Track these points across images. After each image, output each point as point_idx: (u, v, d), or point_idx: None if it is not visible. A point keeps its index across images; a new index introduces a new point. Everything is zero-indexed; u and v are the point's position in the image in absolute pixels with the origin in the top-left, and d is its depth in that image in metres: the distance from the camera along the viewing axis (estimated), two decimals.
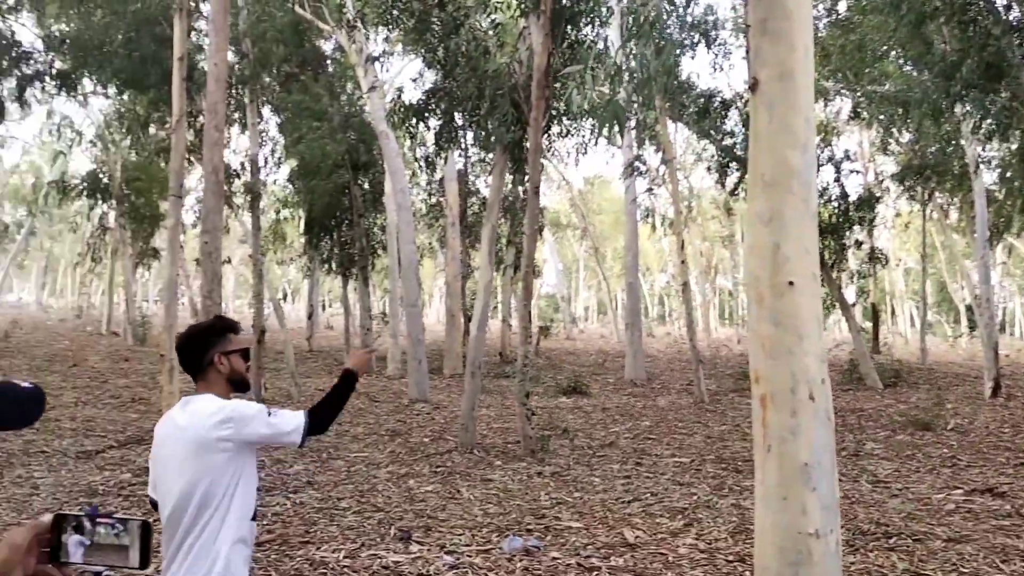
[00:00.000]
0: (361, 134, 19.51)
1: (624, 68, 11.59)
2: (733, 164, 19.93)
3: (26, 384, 1.12)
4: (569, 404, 14.17)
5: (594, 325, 70.38)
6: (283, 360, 15.60)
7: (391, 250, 17.16)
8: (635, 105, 15.27)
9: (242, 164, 18.15)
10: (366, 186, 19.75)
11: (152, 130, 19.94)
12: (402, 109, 9.78)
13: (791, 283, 3.62)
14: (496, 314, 23.56)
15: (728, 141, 19.59)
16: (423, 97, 9.57)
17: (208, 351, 2.65)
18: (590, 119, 9.79)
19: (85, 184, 24.12)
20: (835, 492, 3.63)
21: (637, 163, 17.19)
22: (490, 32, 8.89)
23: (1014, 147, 16.61)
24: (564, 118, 9.53)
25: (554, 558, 5.45)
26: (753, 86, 3.82)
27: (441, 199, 21.52)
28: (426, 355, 14.22)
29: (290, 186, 20.43)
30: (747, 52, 3.87)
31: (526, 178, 10.25)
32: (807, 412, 3.56)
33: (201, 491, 2.47)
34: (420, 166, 18.50)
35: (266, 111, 19.64)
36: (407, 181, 14.73)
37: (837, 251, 19.13)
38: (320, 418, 2.67)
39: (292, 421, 2.58)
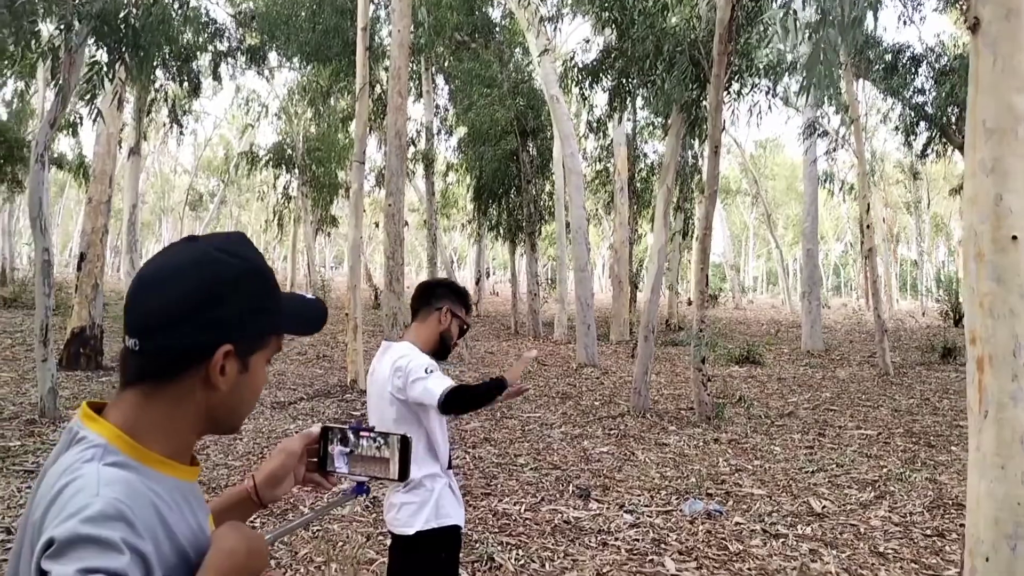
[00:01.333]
0: (529, 100, 19.66)
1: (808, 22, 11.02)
2: (923, 124, 18.61)
3: (310, 296, 1.20)
4: (742, 373, 13.81)
5: (763, 295, 68.25)
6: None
7: (558, 216, 17.21)
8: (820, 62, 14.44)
9: (416, 132, 18.71)
10: (534, 152, 19.90)
11: (332, 101, 20.91)
12: (576, 70, 9.75)
13: (1014, 237, 3.35)
14: (664, 281, 23.23)
15: (918, 99, 18.29)
16: (598, 57, 9.49)
17: (442, 300, 2.83)
18: (773, 76, 9.38)
19: (271, 155, 25.71)
20: None
21: (818, 123, 16.30)
22: None
23: None
24: (746, 75, 9.17)
25: (737, 523, 5.36)
26: (974, 26, 3.54)
27: (608, 164, 21.36)
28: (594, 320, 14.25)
29: (460, 153, 20.87)
30: None
31: (704, 138, 10.03)
32: None
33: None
34: (590, 129, 18.38)
35: (439, 80, 20.14)
36: (576, 145, 14.71)
37: None
38: (458, 400, 2.64)
39: (438, 388, 2.58)
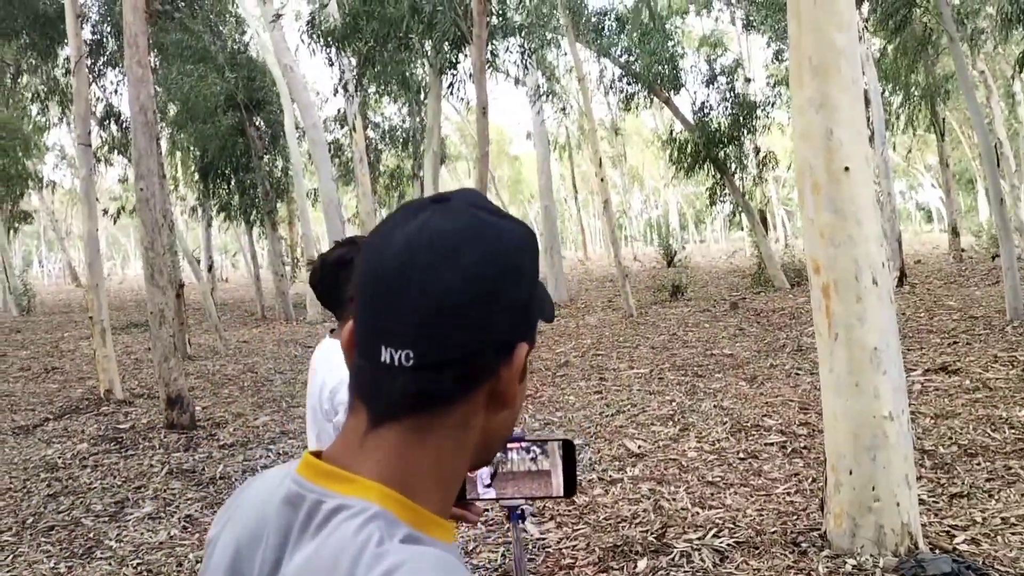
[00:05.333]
0: (250, 72, 18.45)
1: None
2: (629, 80, 20.04)
3: None
4: None
5: None
6: (203, 316, 14.88)
7: (299, 190, 16.42)
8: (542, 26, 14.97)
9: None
10: (262, 126, 18.75)
11: (22, 80, 18.24)
12: (322, 35, 9.18)
13: (847, 168, 3.59)
14: None
15: (626, 58, 19.61)
16: (347, 21, 8.98)
17: (342, 287, 2.36)
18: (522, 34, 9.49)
19: None
20: (902, 373, 3.67)
21: (545, 85, 16.92)
22: None
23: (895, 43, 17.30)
24: (499, 37, 9.18)
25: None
26: None
27: (340, 136, 20.71)
28: None
29: (179, 132, 19.13)
30: None
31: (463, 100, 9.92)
32: (872, 297, 3.57)
33: None
34: (333, 94, 17.65)
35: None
36: (318, 115, 14.02)
37: (737, 159, 19.61)
38: None
39: None
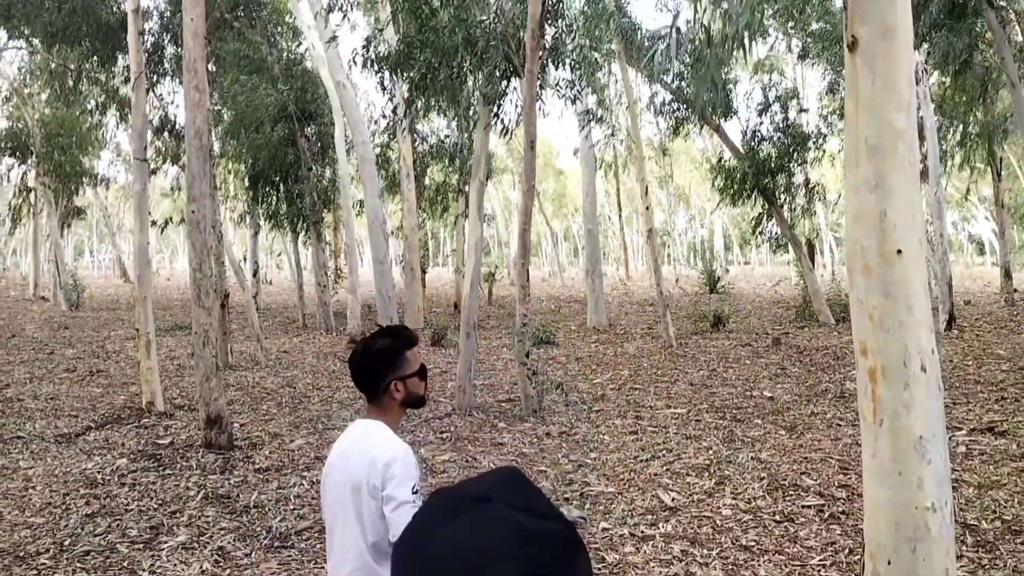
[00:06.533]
0: (304, 83, 18.70)
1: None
2: (682, 106, 19.92)
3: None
4: (542, 355, 14.08)
5: (532, 268, 70.42)
6: (246, 323, 15.08)
7: (345, 203, 16.58)
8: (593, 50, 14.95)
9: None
10: (313, 137, 18.98)
11: (83, 85, 18.71)
12: (378, 60, 9.28)
13: (899, 251, 3.50)
14: (447, 263, 23.25)
15: (677, 83, 19.49)
16: (400, 48, 9.06)
17: (385, 376, 2.39)
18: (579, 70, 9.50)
19: (1, 142, 22.65)
20: (947, 463, 3.58)
21: (595, 109, 16.89)
22: None
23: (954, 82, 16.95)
24: (553, 71, 9.19)
25: (604, 529, 5.36)
26: (852, 45, 3.64)
27: (388, 149, 20.88)
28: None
29: (231, 140, 19.42)
30: (844, 8, 3.66)
31: (504, 132, 9.96)
32: (920, 384, 3.48)
33: (369, 543, 2.25)
34: (382, 117, 17.82)
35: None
36: (368, 133, 14.17)
37: (786, 189, 19.37)
38: None
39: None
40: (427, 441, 7.94)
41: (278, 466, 7.07)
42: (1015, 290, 21.76)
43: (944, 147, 19.01)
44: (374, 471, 2.23)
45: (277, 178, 19.05)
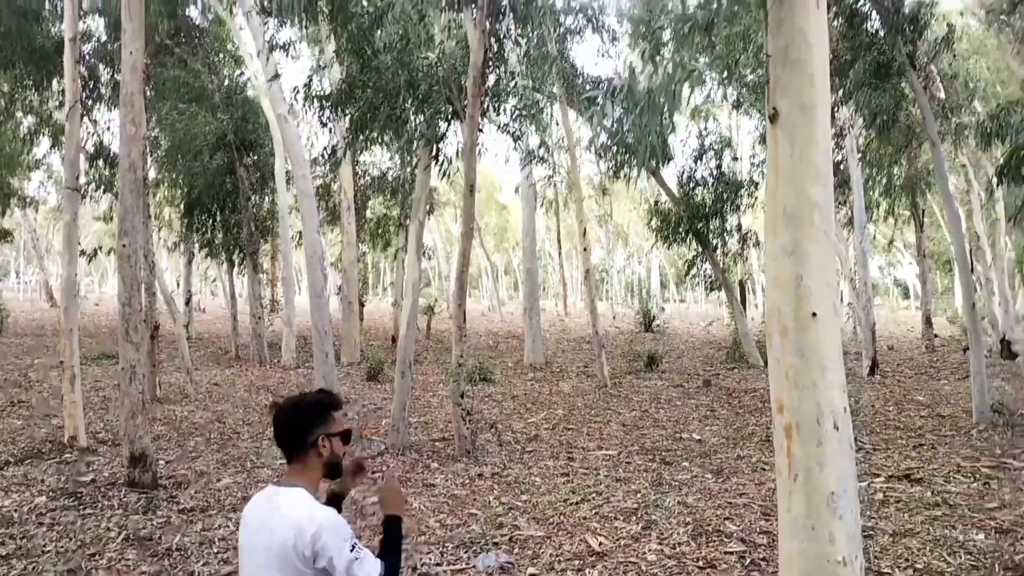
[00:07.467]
0: (245, 112, 18.59)
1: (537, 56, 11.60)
2: (620, 149, 20.37)
3: None
4: (478, 392, 14.10)
5: (470, 301, 70.34)
6: (175, 353, 14.77)
7: (283, 234, 16.45)
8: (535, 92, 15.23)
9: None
10: (252, 166, 18.82)
11: (16, 108, 18.26)
12: (320, 98, 9.32)
13: (814, 315, 3.69)
14: (386, 296, 23.17)
15: (617, 127, 19.89)
16: (342, 88, 9.13)
17: (312, 431, 2.41)
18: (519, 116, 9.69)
19: None
20: (858, 519, 3.74)
21: (536, 149, 17.14)
22: (418, 23, 8.55)
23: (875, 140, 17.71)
24: (495, 112, 9.35)
25: (532, 574, 5.40)
26: (773, 116, 3.84)
27: (331, 181, 20.82)
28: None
29: (166, 167, 19.13)
30: (767, 81, 3.86)
31: (445, 173, 10.06)
32: (832, 442, 3.65)
33: None
34: (324, 152, 17.77)
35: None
36: (308, 168, 14.10)
37: (719, 233, 19.88)
38: (393, 570, 2.42)
39: (372, 570, 2.32)
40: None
41: (203, 506, 6.94)
42: (935, 336, 22.61)
43: (871, 196, 19.79)
44: (302, 540, 2.26)
45: (214, 207, 18.81)
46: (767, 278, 3.90)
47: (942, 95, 16.63)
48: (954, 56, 15.76)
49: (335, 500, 2.65)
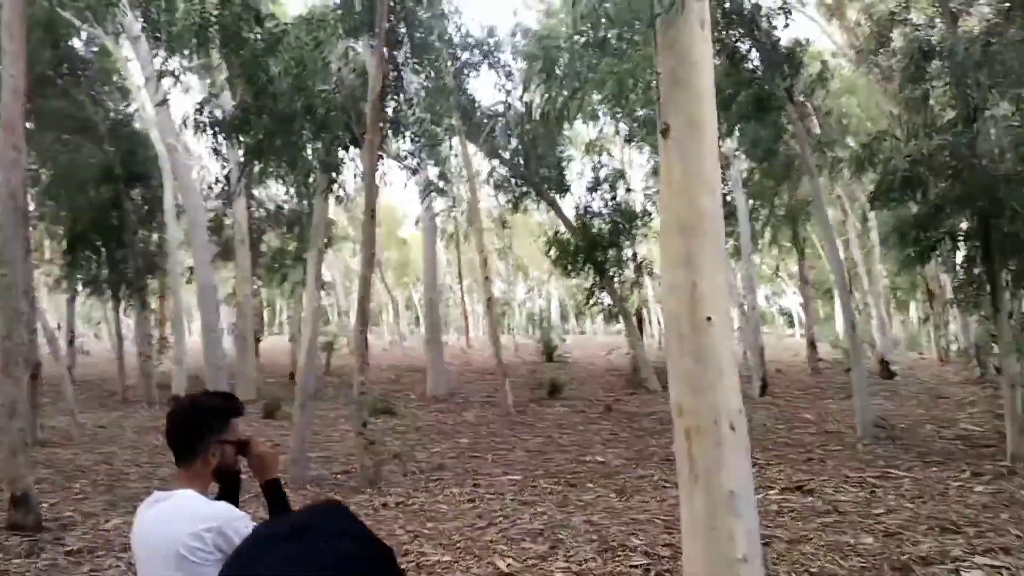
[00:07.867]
0: (132, 145, 17.99)
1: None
2: (517, 181, 20.76)
3: None
4: (381, 425, 13.90)
5: (371, 336, 69.42)
6: (59, 396, 14.01)
7: (173, 269, 15.90)
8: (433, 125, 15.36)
9: None
10: (140, 200, 18.18)
11: None
12: (212, 124, 9.12)
13: (709, 319, 3.82)
14: (283, 333, 22.65)
15: (516, 159, 20.30)
16: (237, 114, 8.97)
17: (207, 435, 2.31)
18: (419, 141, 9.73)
19: None
20: (756, 517, 3.87)
21: (436, 182, 17.23)
22: (313, 50, 8.50)
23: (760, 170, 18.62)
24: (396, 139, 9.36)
25: None
26: (664, 132, 4.01)
27: (223, 216, 20.30)
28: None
29: (48, 201, 18.29)
30: (658, 99, 4.02)
31: (340, 199, 9.99)
32: (729, 443, 3.78)
33: None
34: (216, 182, 17.32)
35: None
36: (201, 199, 13.76)
37: (616, 263, 20.37)
38: None
39: None
40: (256, 518, 7.62)
41: (91, 547, 6.58)
42: (820, 359, 23.66)
43: (755, 226, 20.69)
44: (200, 539, 2.17)
45: (99, 242, 18.05)
46: (663, 286, 4.04)
47: (818, 130, 17.64)
48: (827, 92, 16.75)
49: (229, 494, 2.52)
